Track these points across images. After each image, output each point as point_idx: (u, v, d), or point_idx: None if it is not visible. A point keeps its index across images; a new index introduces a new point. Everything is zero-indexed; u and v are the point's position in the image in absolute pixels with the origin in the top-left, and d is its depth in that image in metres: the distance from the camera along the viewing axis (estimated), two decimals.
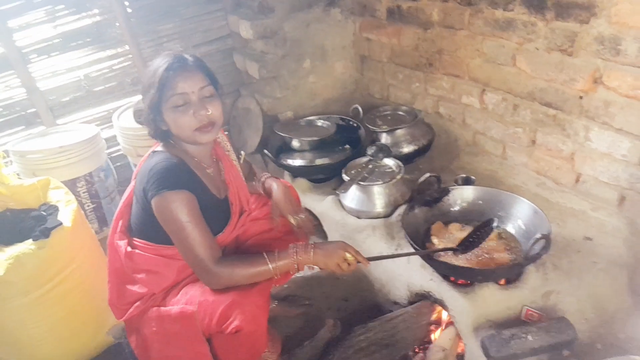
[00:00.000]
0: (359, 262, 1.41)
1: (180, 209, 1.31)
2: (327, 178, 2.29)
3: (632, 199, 1.76)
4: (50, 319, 1.62)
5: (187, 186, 1.34)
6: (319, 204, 2.15)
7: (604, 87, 1.69)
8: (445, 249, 1.62)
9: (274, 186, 1.65)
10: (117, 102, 2.57)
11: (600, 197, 1.86)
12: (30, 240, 1.53)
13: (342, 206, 2.06)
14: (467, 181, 2.02)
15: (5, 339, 1.59)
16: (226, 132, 1.68)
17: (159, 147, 1.44)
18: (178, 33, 2.57)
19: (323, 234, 2.17)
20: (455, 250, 1.61)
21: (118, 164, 2.61)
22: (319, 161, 2.23)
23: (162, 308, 1.44)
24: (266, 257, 1.37)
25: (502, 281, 1.62)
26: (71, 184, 2.18)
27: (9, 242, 1.56)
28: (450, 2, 2.12)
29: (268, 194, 1.68)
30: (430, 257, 1.65)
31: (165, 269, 1.45)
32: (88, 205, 2.27)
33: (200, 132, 1.36)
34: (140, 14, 2.47)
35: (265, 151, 2.26)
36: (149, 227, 1.41)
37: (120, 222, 1.50)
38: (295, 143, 2.31)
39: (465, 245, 1.61)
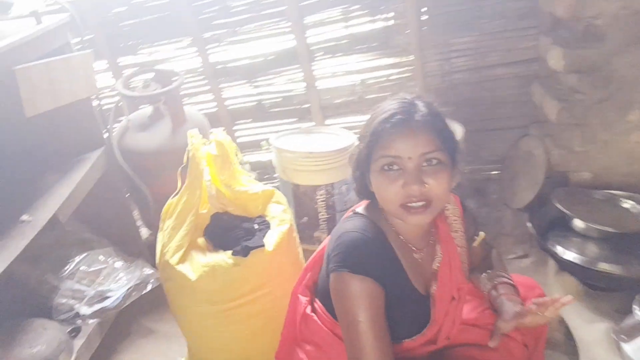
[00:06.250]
0: None
1: (358, 301, 1.00)
2: (612, 289, 1.58)
3: None
4: (230, 335, 1.56)
5: (376, 273, 1.02)
6: (586, 326, 1.49)
7: None
8: None
9: (506, 308, 1.14)
10: None
11: None
12: (229, 253, 1.46)
13: (621, 355, 1.35)
14: None
15: (190, 335, 1.61)
16: (460, 201, 1.24)
17: (361, 208, 1.14)
18: (472, 49, 2.17)
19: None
20: None
21: None
22: (605, 266, 1.54)
23: None
24: None
25: None
26: (311, 190, 2.10)
27: (216, 244, 1.53)
28: None
29: (493, 308, 1.19)
30: None
31: (335, 353, 1.17)
32: (323, 215, 2.17)
33: (407, 212, 0.99)
34: (434, 22, 2.16)
35: (529, 225, 1.69)
36: (330, 297, 1.14)
37: (309, 275, 1.28)
38: (579, 224, 1.66)
39: None
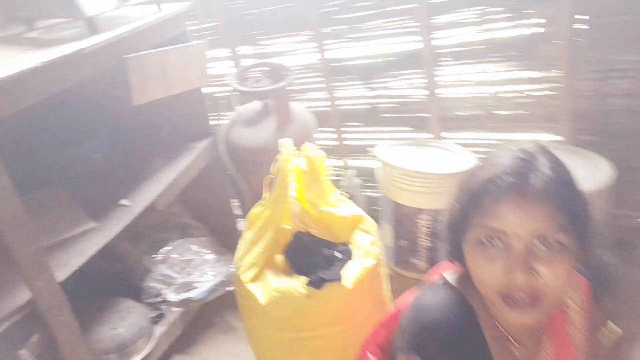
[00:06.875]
0: None
1: None
2: None
3: None
4: None
5: None
6: None
7: None
8: None
9: None
10: (516, 133, 2.03)
11: None
12: (304, 281, 1.32)
13: None
14: None
15: (258, 353, 1.52)
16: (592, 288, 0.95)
17: (452, 274, 0.92)
18: (636, 70, 1.74)
19: None
20: None
21: None
22: None
23: None
24: None
25: None
26: (412, 213, 1.89)
27: (294, 266, 1.41)
28: None
29: None
30: None
31: None
32: (423, 241, 1.94)
33: (507, 305, 0.76)
34: (593, 33, 1.76)
35: None
36: None
37: (383, 332, 1.09)
38: None
39: None
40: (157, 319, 1.88)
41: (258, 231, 1.41)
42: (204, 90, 2.05)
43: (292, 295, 1.30)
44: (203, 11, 2.12)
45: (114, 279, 1.96)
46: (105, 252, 1.60)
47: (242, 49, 2.34)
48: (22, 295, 1.37)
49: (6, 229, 1.24)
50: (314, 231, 1.43)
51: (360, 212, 1.49)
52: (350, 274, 1.32)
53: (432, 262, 1.98)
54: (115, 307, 1.79)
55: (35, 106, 1.30)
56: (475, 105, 2.06)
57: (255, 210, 1.47)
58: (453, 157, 1.96)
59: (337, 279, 1.30)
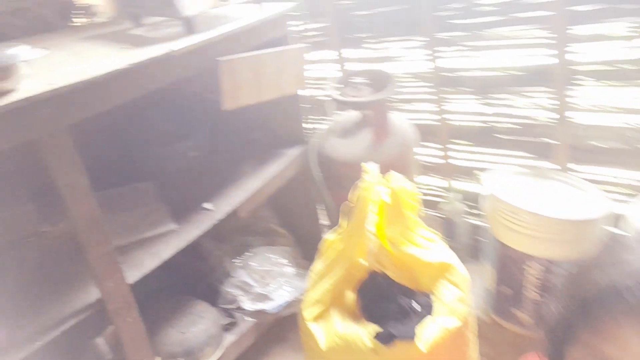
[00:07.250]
0: None
1: None
2: None
3: None
4: None
5: None
6: None
7: None
8: None
9: None
10: None
11: None
12: (372, 331, 1.15)
13: None
14: None
15: None
16: None
17: None
18: None
19: None
20: None
21: None
22: None
23: None
24: None
25: None
26: (520, 258, 1.61)
27: (365, 308, 1.23)
28: None
29: None
30: None
31: None
32: (529, 292, 1.65)
33: None
34: None
35: None
36: None
37: None
38: None
39: None
40: (229, 327, 1.83)
41: (329, 264, 1.26)
42: (303, 92, 1.94)
43: (355, 345, 1.13)
44: (309, 11, 2.00)
45: (192, 276, 1.96)
46: (188, 249, 1.58)
47: (349, 52, 2.19)
48: (94, 293, 1.37)
49: (81, 228, 1.24)
50: (391, 273, 1.24)
51: (451, 259, 1.25)
52: (427, 333, 1.11)
53: (539, 317, 1.67)
54: (188, 309, 1.77)
55: (138, 101, 1.29)
56: (617, 137, 1.69)
57: (330, 238, 1.32)
58: (579, 196, 1.63)
59: (410, 337, 1.10)
